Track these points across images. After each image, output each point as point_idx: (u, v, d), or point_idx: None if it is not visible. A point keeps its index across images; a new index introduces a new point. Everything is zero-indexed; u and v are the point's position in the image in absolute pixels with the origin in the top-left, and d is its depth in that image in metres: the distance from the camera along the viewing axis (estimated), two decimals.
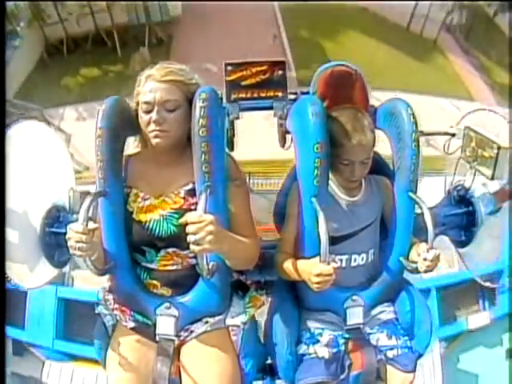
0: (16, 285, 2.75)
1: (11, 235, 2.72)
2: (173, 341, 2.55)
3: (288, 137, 2.78)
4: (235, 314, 2.63)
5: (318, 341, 2.61)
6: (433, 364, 6.18)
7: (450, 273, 7.03)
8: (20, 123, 2.87)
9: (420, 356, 2.66)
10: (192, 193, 2.48)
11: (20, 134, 2.85)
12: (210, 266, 2.21)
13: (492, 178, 3.10)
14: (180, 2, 29.89)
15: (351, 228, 2.64)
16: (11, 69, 23.55)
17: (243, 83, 2.81)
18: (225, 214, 2.43)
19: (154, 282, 2.58)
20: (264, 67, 2.81)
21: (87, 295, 6.08)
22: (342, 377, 2.60)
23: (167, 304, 2.54)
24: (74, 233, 2.19)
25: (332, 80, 2.73)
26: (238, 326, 2.60)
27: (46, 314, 6.25)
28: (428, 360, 6.14)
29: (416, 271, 2.44)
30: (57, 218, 3.04)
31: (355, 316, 2.64)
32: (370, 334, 2.67)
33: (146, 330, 2.58)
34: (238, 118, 2.83)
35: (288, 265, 2.50)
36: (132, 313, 2.60)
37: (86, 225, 2.20)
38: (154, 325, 2.57)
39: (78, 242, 2.18)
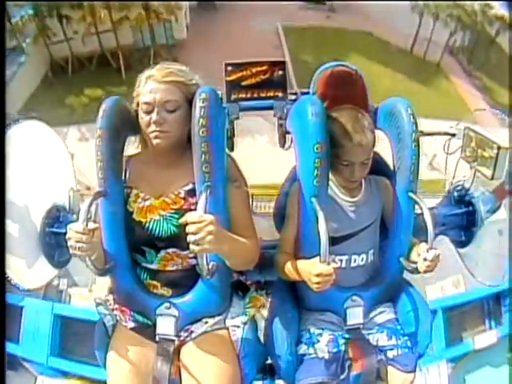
0: (16, 284, 2.75)
1: (11, 234, 2.72)
2: (173, 341, 2.56)
3: (288, 137, 2.78)
4: (235, 314, 2.64)
5: (318, 341, 2.61)
6: None
7: (455, 294, 7.07)
8: (20, 123, 2.86)
9: (420, 356, 2.66)
10: (192, 193, 2.48)
11: (20, 133, 2.86)
12: (209, 266, 2.21)
13: (492, 178, 3.10)
14: (185, 26, 30.06)
15: (351, 228, 2.64)
16: (15, 85, 23.58)
17: (243, 83, 2.82)
18: (225, 214, 2.44)
19: (154, 282, 2.58)
20: (264, 67, 2.81)
21: (84, 313, 6.10)
22: (342, 377, 2.60)
23: (167, 304, 2.55)
24: (74, 233, 2.19)
25: (332, 80, 2.74)
26: (238, 327, 2.61)
27: (42, 330, 6.24)
28: (435, 381, 6.18)
29: (416, 271, 2.44)
30: (57, 218, 3.06)
31: (355, 316, 2.64)
32: (369, 334, 2.67)
33: (146, 330, 2.59)
34: (237, 118, 2.83)
35: (288, 265, 2.50)
36: (132, 313, 2.60)
37: (86, 225, 2.21)
38: (154, 325, 2.58)
39: (78, 241, 2.18)
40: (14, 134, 2.80)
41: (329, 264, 2.20)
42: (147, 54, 23.19)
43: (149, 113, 2.45)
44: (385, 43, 31.39)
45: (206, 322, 2.58)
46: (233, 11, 32.78)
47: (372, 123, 2.61)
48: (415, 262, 2.43)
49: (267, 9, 32.26)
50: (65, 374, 6.24)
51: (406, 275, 2.72)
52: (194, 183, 2.45)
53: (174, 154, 2.55)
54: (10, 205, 2.75)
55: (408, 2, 30.87)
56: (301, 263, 2.44)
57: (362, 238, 2.66)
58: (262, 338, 2.75)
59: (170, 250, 2.52)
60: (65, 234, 2.25)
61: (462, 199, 3.28)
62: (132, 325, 2.58)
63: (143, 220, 2.52)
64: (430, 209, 2.57)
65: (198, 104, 2.33)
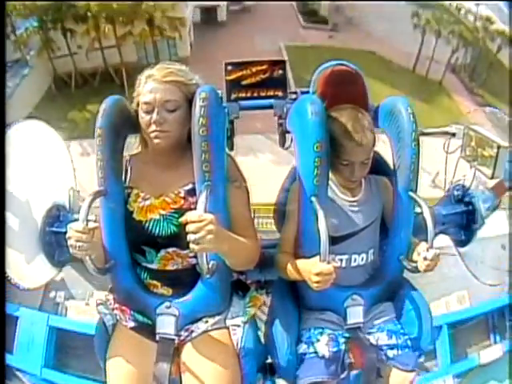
0: (16, 284, 2.74)
1: (11, 234, 2.72)
2: (173, 340, 2.55)
3: (288, 136, 2.78)
4: (235, 313, 2.64)
5: (319, 340, 2.60)
6: None
7: (460, 309, 7.06)
8: (20, 123, 2.87)
9: (420, 355, 2.66)
10: (192, 193, 2.48)
11: (20, 133, 2.86)
12: (209, 266, 2.20)
13: (492, 177, 3.10)
14: (189, 44, 30.27)
15: (351, 228, 2.64)
16: (18, 97, 23.72)
17: (243, 82, 2.83)
18: (225, 213, 2.43)
19: (155, 281, 2.59)
20: (264, 66, 2.82)
21: (79, 326, 6.10)
22: (342, 376, 2.61)
23: (167, 303, 2.54)
24: (74, 232, 2.19)
25: (332, 79, 2.74)
26: (239, 326, 2.60)
27: (36, 341, 6.22)
28: None
29: (416, 270, 2.44)
30: (57, 218, 3.05)
31: (355, 315, 2.64)
32: (370, 333, 2.66)
33: (146, 329, 2.58)
34: (237, 117, 2.84)
35: (288, 264, 2.50)
36: (132, 312, 2.60)
37: (86, 224, 2.21)
38: (154, 324, 2.57)
39: (78, 241, 2.18)
40: (13, 133, 2.80)
41: (329, 263, 2.20)
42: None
43: (149, 112, 2.45)
44: (387, 62, 31.61)
45: (206, 322, 2.58)
46: (236, 30, 33.00)
47: (372, 123, 2.61)
48: (415, 262, 2.42)
49: (270, 28, 32.44)
50: None
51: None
52: (193, 183, 2.45)
53: (174, 154, 2.55)
54: (11, 204, 2.75)
55: (410, 20, 31.02)
56: (301, 262, 2.44)
57: (362, 238, 2.66)
58: (262, 338, 2.75)
59: (170, 250, 2.52)
60: (65, 233, 2.25)
61: (461, 198, 3.28)
62: (132, 324, 2.58)
63: (143, 219, 2.52)
64: (430, 208, 2.56)
65: (198, 103, 2.33)
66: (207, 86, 2.44)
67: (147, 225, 2.52)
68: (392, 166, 2.64)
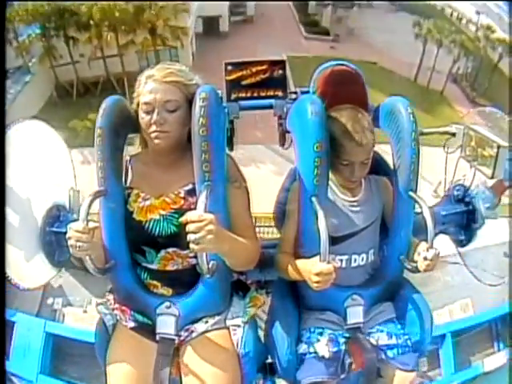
0: (16, 284, 2.74)
1: (11, 234, 2.72)
2: (173, 340, 2.55)
3: (288, 136, 2.79)
4: (235, 313, 2.63)
5: (319, 340, 2.60)
6: None
7: (464, 318, 7.05)
8: (20, 123, 2.87)
9: (420, 355, 2.66)
10: (192, 193, 2.48)
11: (20, 133, 2.86)
12: (209, 266, 2.20)
13: (492, 177, 3.10)
14: (191, 53, 30.35)
15: (351, 228, 2.64)
16: (19, 104, 23.76)
17: (243, 82, 2.83)
18: (225, 213, 2.43)
19: (155, 282, 2.59)
20: (264, 66, 2.82)
21: (76, 333, 6.06)
22: (342, 376, 2.61)
23: (167, 303, 2.54)
24: (74, 232, 2.19)
25: (332, 79, 2.74)
26: (239, 326, 2.59)
27: (33, 347, 6.17)
28: None
29: (416, 270, 2.44)
30: (57, 218, 3.06)
31: (355, 315, 2.63)
32: (370, 333, 2.66)
33: (146, 329, 2.58)
34: (237, 117, 2.84)
35: (288, 264, 2.50)
36: (132, 312, 2.60)
37: (87, 224, 2.21)
38: (154, 324, 2.57)
39: (78, 241, 2.18)
40: (13, 133, 2.80)
41: (329, 263, 2.20)
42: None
43: (149, 113, 2.44)
44: (389, 72, 31.66)
45: (207, 322, 2.58)
46: (238, 41, 33.07)
47: (372, 123, 2.61)
48: (415, 261, 2.42)
49: (272, 39, 32.52)
50: None
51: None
52: (193, 183, 2.45)
53: (174, 154, 2.55)
54: (11, 203, 2.75)
55: (411, 30, 31.12)
56: (301, 262, 2.44)
57: (363, 238, 2.66)
58: (262, 338, 2.75)
59: (170, 250, 2.52)
60: (65, 233, 2.24)
61: (461, 198, 3.28)
62: (132, 324, 2.58)
63: (143, 220, 2.52)
64: (430, 208, 2.55)
65: (198, 103, 2.33)
66: (207, 85, 2.44)
67: (147, 225, 2.52)
68: (392, 166, 2.64)
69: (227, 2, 35.69)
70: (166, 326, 2.55)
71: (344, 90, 2.71)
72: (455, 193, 3.31)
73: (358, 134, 2.49)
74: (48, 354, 6.17)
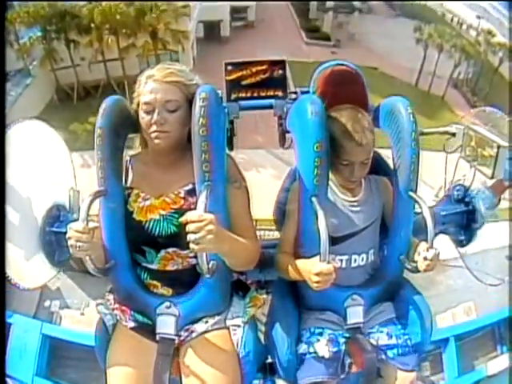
0: (16, 284, 2.74)
1: (11, 234, 2.72)
2: (173, 340, 2.55)
3: (288, 136, 2.79)
4: (235, 313, 2.64)
5: (319, 340, 2.60)
6: None
7: (467, 321, 7.03)
8: (20, 123, 2.87)
9: (420, 355, 2.66)
10: (192, 193, 2.48)
11: (20, 133, 2.86)
12: (209, 266, 2.20)
13: (492, 177, 3.10)
14: (191, 58, 30.38)
15: (351, 228, 2.64)
16: (20, 107, 23.81)
17: (243, 82, 2.83)
18: (225, 213, 2.43)
19: (155, 282, 2.59)
20: (264, 66, 2.83)
21: (73, 335, 6.02)
22: (342, 376, 2.61)
23: (167, 303, 2.54)
24: (74, 232, 2.19)
25: (332, 79, 2.75)
26: (239, 326, 2.60)
27: (29, 349, 6.13)
28: None
29: (416, 270, 2.44)
30: (57, 218, 3.05)
31: (355, 315, 2.64)
32: (370, 333, 2.66)
33: (146, 329, 2.58)
34: (237, 117, 2.84)
35: (288, 264, 2.50)
36: (132, 312, 2.60)
37: (87, 224, 2.21)
38: (154, 324, 2.57)
39: (78, 241, 2.18)
40: (13, 133, 2.81)
41: (329, 263, 2.20)
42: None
43: (149, 113, 2.45)
44: (390, 78, 31.69)
45: (207, 322, 2.58)
46: (239, 46, 33.10)
47: (372, 123, 2.61)
48: (415, 261, 2.42)
49: (273, 44, 32.56)
50: None
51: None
52: (193, 183, 2.45)
53: (174, 154, 2.55)
54: (11, 203, 2.76)
55: (412, 36, 31.20)
56: (301, 262, 2.44)
57: (363, 238, 2.66)
58: (262, 338, 2.75)
59: (170, 250, 2.52)
60: (65, 233, 2.24)
61: (461, 198, 3.28)
62: (132, 324, 2.58)
63: (143, 220, 2.52)
64: (430, 208, 2.56)
65: (198, 103, 2.33)
66: (207, 85, 2.44)
67: (147, 225, 2.52)
68: (392, 166, 2.64)
69: (228, 7, 35.72)
70: (166, 326, 2.55)
71: (344, 90, 2.71)
72: (455, 193, 3.31)
73: (358, 133, 2.49)
74: (44, 356, 6.12)
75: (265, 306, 2.77)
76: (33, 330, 6.12)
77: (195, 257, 2.32)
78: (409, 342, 2.63)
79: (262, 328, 2.80)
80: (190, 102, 2.45)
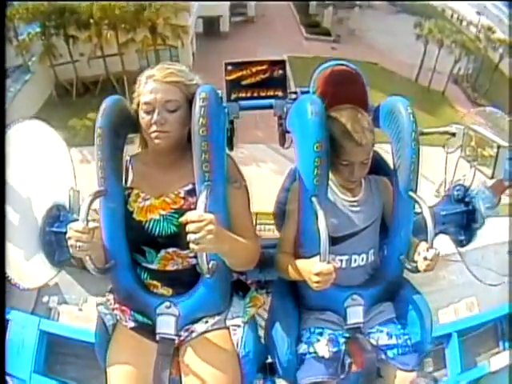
0: (16, 284, 2.74)
1: (11, 234, 2.72)
2: (173, 340, 2.55)
3: (288, 136, 2.79)
4: (235, 313, 2.64)
5: (319, 340, 2.60)
6: None
7: (469, 316, 7.01)
8: (20, 123, 2.87)
9: (420, 355, 2.66)
10: (192, 193, 2.48)
11: (20, 133, 2.86)
12: (209, 265, 2.20)
13: (492, 177, 3.10)
14: (191, 53, 30.33)
15: (351, 228, 2.64)
16: (18, 103, 23.80)
17: (243, 82, 2.83)
18: (225, 213, 2.43)
19: (155, 282, 2.59)
20: (264, 66, 2.82)
21: (71, 331, 5.98)
22: (342, 376, 2.61)
23: (167, 303, 2.54)
24: (74, 232, 2.19)
25: (332, 79, 2.74)
26: (239, 326, 2.59)
27: (27, 346, 6.10)
28: None
29: (416, 270, 2.44)
30: (57, 218, 3.05)
31: (355, 315, 2.64)
32: (370, 333, 2.66)
33: (146, 329, 2.59)
34: (237, 117, 2.84)
35: (288, 264, 2.50)
36: (132, 313, 2.60)
37: (87, 224, 2.21)
38: (154, 324, 2.57)
39: (78, 241, 2.18)
40: (13, 133, 2.81)
41: (329, 263, 2.20)
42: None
43: (149, 113, 2.44)
44: (390, 73, 31.66)
45: (207, 322, 2.58)
46: (239, 41, 33.06)
47: (371, 123, 2.61)
48: (415, 261, 2.42)
49: (273, 39, 32.53)
50: None
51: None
52: (193, 183, 2.45)
53: (174, 154, 2.55)
54: (11, 202, 2.76)
55: (412, 32, 31.18)
56: (301, 262, 2.44)
57: (363, 238, 2.66)
58: (262, 338, 2.75)
59: (170, 250, 2.52)
60: (65, 233, 2.25)
61: (461, 198, 3.29)
62: (132, 324, 2.58)
63: (143, 220, 2.52)
64: (430, 208, 2.56)
65: (198, 103, 2.33)
66: (207, 85, 2.43)
67: (147, 225, 2.52)
68: (392, 166, 2.64)
69: (228, 3, 35.69)
70: (166, 326, 2.55)
71: (344, 89, 2.71)
72: (455, 193, 3.31)
73: (358, 134, 2.49)
74: (42, 352, 6.07)
75: (265, 305, 2.77)
76: (30, 326, 6.08)
77: (195, 257, 2.32)
78: (409, 341, 2.63)
79: (263, 325, 2.81)
80: (190, 102, 2.45)
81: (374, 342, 2.63)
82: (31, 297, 6.69)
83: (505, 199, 3.33)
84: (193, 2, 31.59)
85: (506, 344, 6.76)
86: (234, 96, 2.83)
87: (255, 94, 2.84)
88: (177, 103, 2.46)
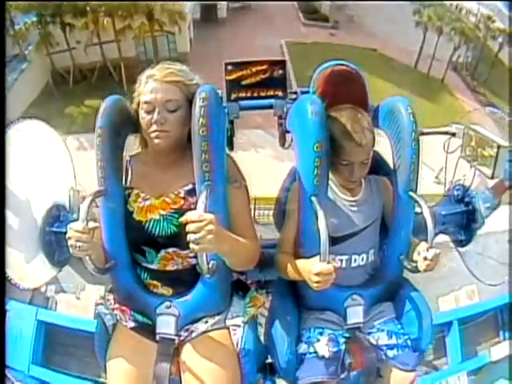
0: (16, 284, 2.75)
1: (11, 234, 2.72)
2: (173, 340, 2.55)
3: (288, 136, 2.79)
4: (235, 313, 2.64)
5: (319, 340, 2.60)
6: None
7: (470, 305, 7.02)
8: (20, 123, 2.87)
9: (420, 355, 2.66)
10: (192, 193, 2.48)
11: (20, 133, 2.86)
12: (209, 265, 2.20)
13: (492, 177, 3.10)
14: (188, 39, 30.19)
15: (351, 228, 2.64)
16: (15, 92, 23.76)
17: (243, 82, 2.82)
18: (225, 213, 2.43)
19: (155, 282, 2.59)
20: (264, 66, 2.82)
21: (69, 321, 5.97)
22: (342, 376, 2.61)
23: (167, 303, 2.54)
24: (74, 232, 2.19)
25: (332, 79, 2.74)
26: (239, 326, 2.60)
27: (25, 336, 6.09)
28: None
29: (416, 270, 2.44)
30: (57, 217, 3.06)
31: (355, 315, 2.64)
32: (370, 333, 2.66)
33: (146, 329, 2.59)
34: (237, 117, 2.83)
35: (288, 264, 2.50)
36: (132, 312, 2.60)
37: (87, 224, 2.20)
38: (154, 324, 2.57)
39: (78, 241, 2.18)
40: (14, 133, 2.81)
41: (329, 263, 2.20)
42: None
43: (150, 112, 2.45)
44: (389, 60, 31.61)
45: (206, 322, 2.58)
46: (236, 27, 32.94)
47: (371, 123, 2.61)
48: (415, 261, 2.42)
49: (271, 25, 32.41)
50: None
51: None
52: (193, 183, 2.45)
53: (174, 154, 2.55)
54: (11, 203, 2.76)
55: (411, 18, 31.08)
56: (301, 262, 2.44)
57: (363, 238, 2.66)
58: (262, 338, 2.75)
59: (170, 250, 2.52)
60: (65, 233, 2.24)
61: (461, 198, 3.29)
62: (132, 324, 2.58)
63: (143, 220, 2.52)
64: (430, 208, 2.56)
65: (198, 103, 2.33)
66: (207, 85, 2.43)
67: (147, 225, 2.52)
68: (392, 166, 2.64)
69: None
70: (165, 325, 2.55)
71: (344, 89, 2.70)
72: (455, 193, 3.32)
73: (358, 134, 2.49)
74: (40, 343, 6.08)
75: (265, 305, 2.78)
76: (28, 316, 6.08)
77: (195, 257, 2.31)
78: (409, 341, 2.63)
79: (263, 327, 2.81)
80: (190, 101, 2.45)
81: (374, 342, 2.64)
82: None
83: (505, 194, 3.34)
84: None
85: (507, 334, 6.79)
86: (234, 96, 2.83)
87: (255, 94, 2.84)
88: (177, 103, 2.46)
